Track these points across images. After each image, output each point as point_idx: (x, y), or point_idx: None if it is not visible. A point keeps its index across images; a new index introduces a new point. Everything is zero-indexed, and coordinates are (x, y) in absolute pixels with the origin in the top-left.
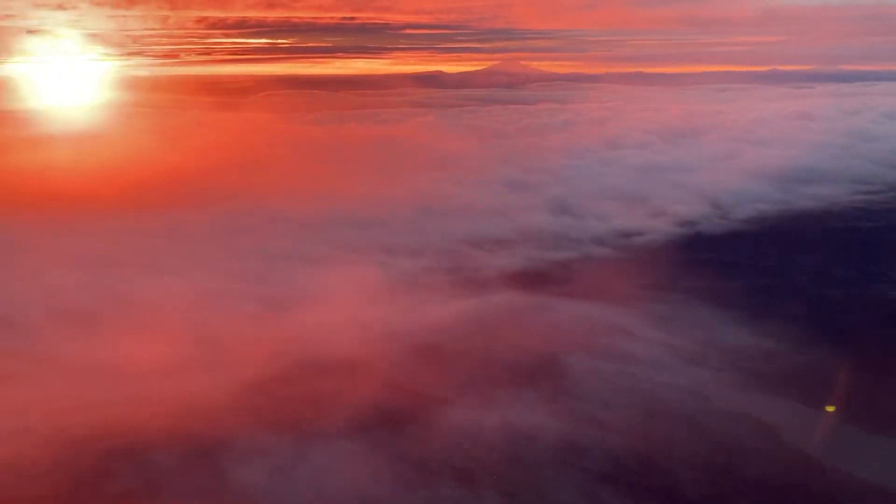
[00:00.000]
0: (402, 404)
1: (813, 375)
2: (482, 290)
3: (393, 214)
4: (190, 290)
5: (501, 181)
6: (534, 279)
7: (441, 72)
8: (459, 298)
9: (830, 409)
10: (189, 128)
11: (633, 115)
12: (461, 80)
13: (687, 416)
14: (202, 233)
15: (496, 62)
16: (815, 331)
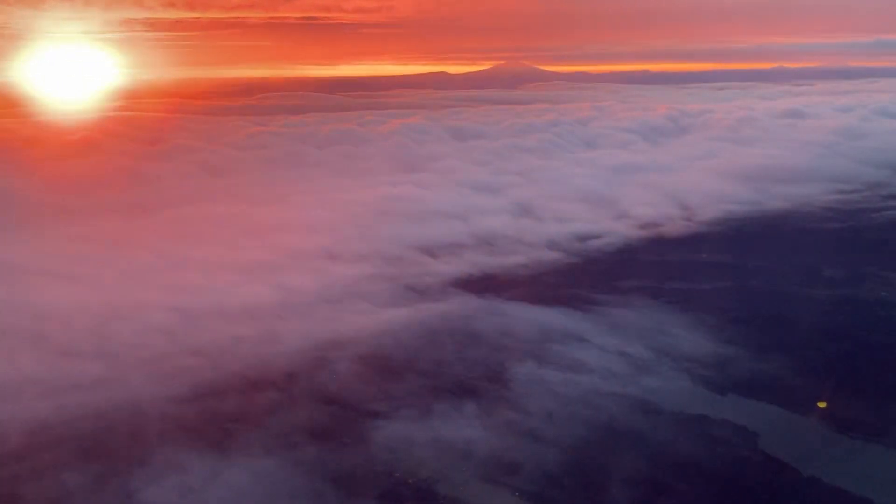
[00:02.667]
0: (335, 418)
1: (770, 383)
2: (429, 297)
3: (345, 219)
4: (110, 300)
5: (470, 184)
6: (485, 284)
7: (445, 72)
8: (404, 306)
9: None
10: (159, 133)
11: (620, 114)
12: (464, 81)
13: (631, 430)
14: (141, 241)
15: (501, 62)
16: (772, 334)
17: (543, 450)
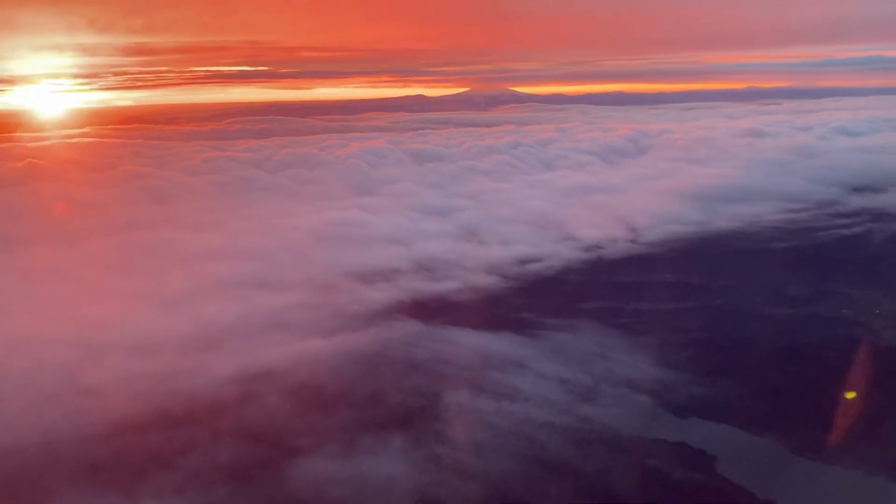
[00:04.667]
0: (252, 456)
1: (711, 409)
2: (359, 325)
3: (281, 245)
4: (10, 335)
5: (419, 207)
6: (420, 311)
7: (422, 95)
8: (331, 335)
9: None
10: (111, 158)
11: (582, 135)
12: (439, 103)
13: (563, 462)
14: (63, 270)
15: (477, 85)
16: (716, 355)
17: (468, 485)
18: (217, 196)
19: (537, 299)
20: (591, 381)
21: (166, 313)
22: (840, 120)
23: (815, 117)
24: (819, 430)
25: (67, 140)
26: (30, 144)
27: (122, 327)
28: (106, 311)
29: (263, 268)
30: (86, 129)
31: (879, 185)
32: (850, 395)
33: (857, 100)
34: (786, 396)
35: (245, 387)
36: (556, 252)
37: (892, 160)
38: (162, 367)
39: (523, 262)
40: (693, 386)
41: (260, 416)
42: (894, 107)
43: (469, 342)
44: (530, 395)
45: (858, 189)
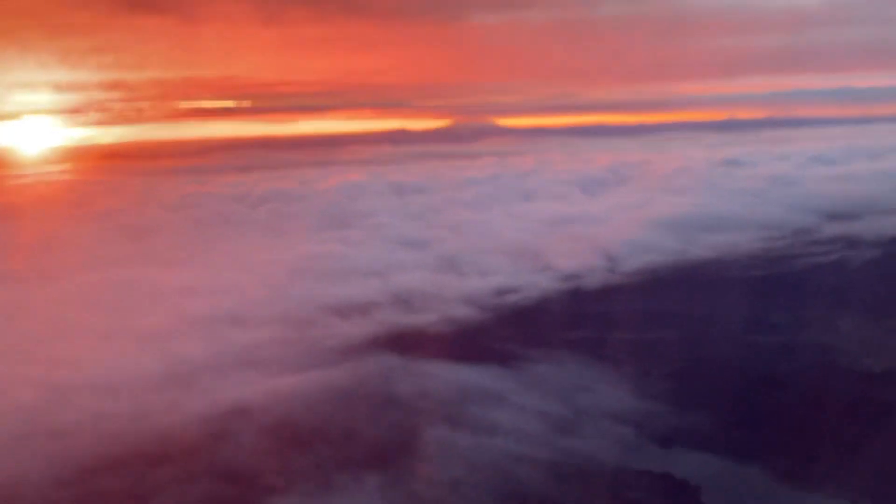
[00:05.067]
0: (228, 495)
1: (695, 439)
2: (335, 360)
3: (257, 281)
4: None
5: (398, 239)
6: (398, 344)
7: (405, 129)
8: (306, 370)
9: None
10: (90, 196)
11: (562, 166)
12: (423, 137)
13: (543, 497)
14: (34, 309)
15: (460, 118)
16: (699, 384)
17: None
18: (195, 232)
19: (516, 330)
20: (572, 413)
21: (138, 351)
22: (816, 149)
23: (791, 146)
24: (802, 458)
25: (47, 177)
26: (8, 182)
27: (92, 366)
28: (76, 349)
29: (239, 304)
30: (67, 166)
31: (854, 213)
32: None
33: (833, 129)
34: (769, 424)
35: (218, 425)
36: (534, 282)
37: (866, 188)
38: (132, 406)
39: (501, 292)
40: (675, 416)
41: (233, 455)
42: (869, 136)
43: (448, 375)
44: (510, 428)
45: (834, 217)
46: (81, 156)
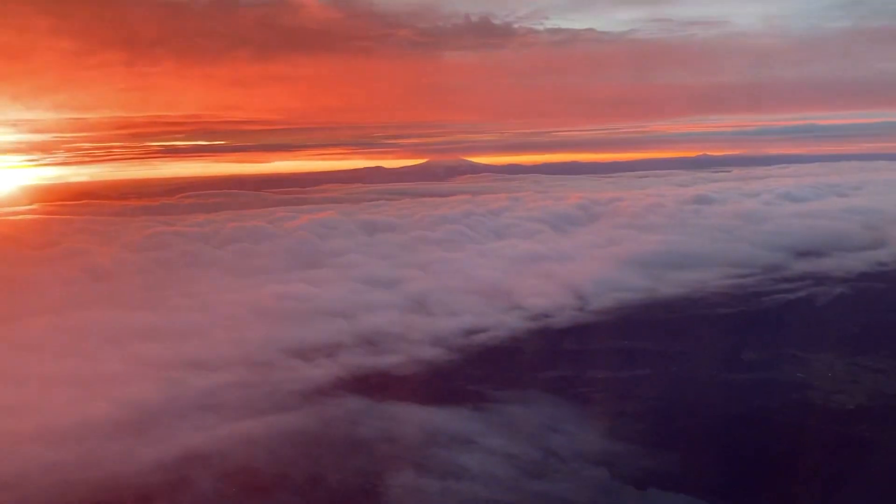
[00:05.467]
0: None
1: (666, 481)
2: (299, 404)
3: (219, 322)
4: None
5: (366, 279)
6: (363, 386)
7: (380, 167)
8: (267, 414)
9: None
10: (54, 235)
11: (534, 204)
12: (398, 175)
13: None
14: None
15: (435, 156)
16: (668, 425)
17: None
18: (158, 272)
19: (485, 371)
20: (542, 455)
21: (89, 397)
22: (786, 186)
23: (762, 184)
24: (777, 498)
25: (10, 217)
26: None
27: (40, 413)
28: (24, 396)
29: (198, 346)
30: (33, 206)
31: (823, 250)
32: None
33: (803, 167)
34: (743, 463)
35: (173, 473)
36: (502, 322)
37: (834, 225)
38: (81, 454)
39: (469, 332)
40: (648, 456)
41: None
42: (839, 173)
43: (414, 418)
44: (477, 472)
45: (803, 253)
46: (51, 195)
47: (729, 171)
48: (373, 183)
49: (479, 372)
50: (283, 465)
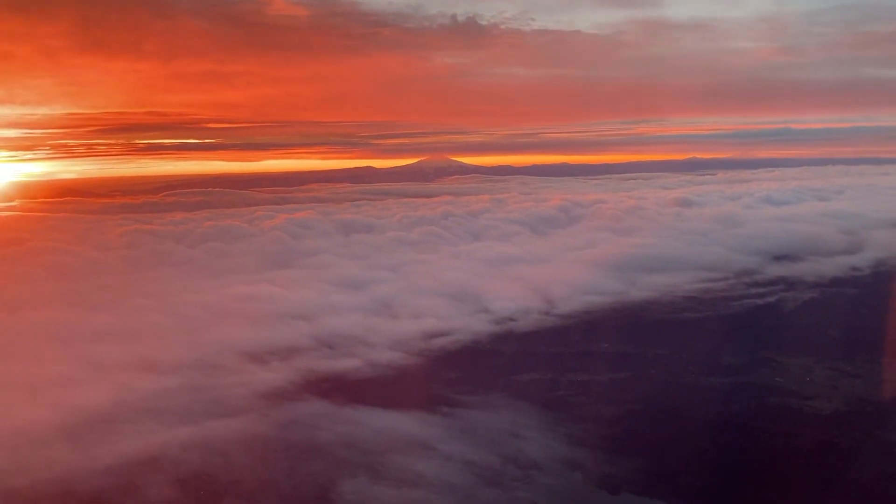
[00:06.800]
0: None
1: (631, 486)
2: (247, 408)
3: (178, 324)
4: None
5: (336, 280)
6: (318, 391)
7: (371, 167)
8: (219, 419)
9: None
10: (24, 233)
11: (515, 205)
12: (387, 175)
13: None
14: None
15: (427, 156)
16: (631, 431)
17: None
18: (125, 272)
19: (447, 375)
20: (500, 462)
21: (30, 401)
22: (767, 190)
23: (745, 187)
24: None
25: None
26: None
27: None
28: None
29: (152, 348)
30: (14, 203)
31: (798, 254)
32: None
33: (789, 170)
34: (718, 469)
35: (121, 478)
36: (466, 325)
37: (811, 229)
38: (14, 462)
39: (433, 336)
40: (610, 462)
41: None
42: (824, 177)
43: (372, 423)
44: (432, 479)
45: (778, 257)
46: (36, 192)
47: (714, 175)
48: (360, 183)
49: (440, 376)
50: (235, 471)
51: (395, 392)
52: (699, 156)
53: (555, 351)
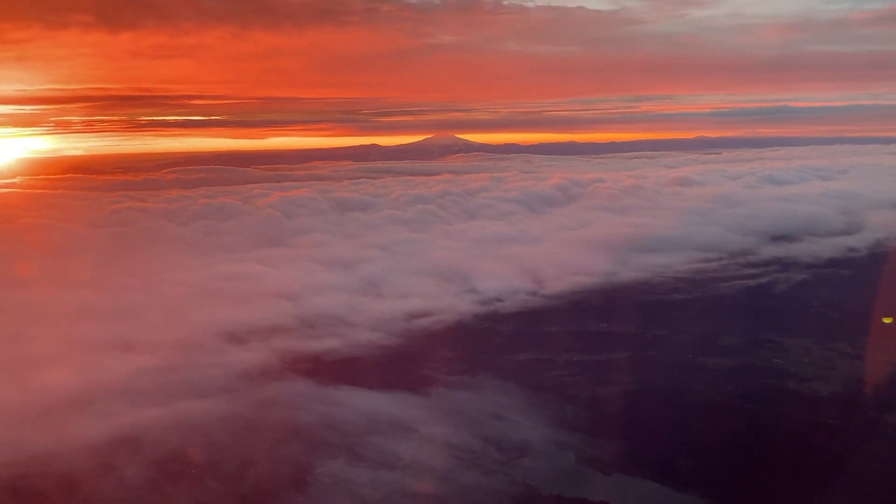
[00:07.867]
0: None
1: (595, 474)
2: (226, 389)
3: (161, 303)
4: None
5: (325, 259)
6: (305, 370)
7: (376, 145)
8: (205, 398)
9: None
10: (18, 210)
11: (513, 184)
12: (392, 153)
13: None
14: None
15: (434, 133)
16: (613, 413)
17: None
18: (114, 249)
19: (431, 355)
20: (480, 445)
21: (3, 381)
22: (770, 169)
23: (748, 166)
24: (745, 485)
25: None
26: None
27: None
28: None
29: (132, 327)
30: (16, 180)
31: (795, 234)
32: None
33: (795, 149)
34: (713, 451)
35: (91, 460)
36: (452, 305)
37: (810, 209)
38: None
39: (414, 316)
40: (590, 447)
41: (107, 493)
42: (830, 156)
43: (354, 403)
44: (410, 462)
45: (775, 238)
46: (39, 168)
47: (719, 154)
48: (364, 161)
49: (425, 356)
50: (213, 453)
51: (376, 373)
52: (707, 134)
53: (541, 332)
